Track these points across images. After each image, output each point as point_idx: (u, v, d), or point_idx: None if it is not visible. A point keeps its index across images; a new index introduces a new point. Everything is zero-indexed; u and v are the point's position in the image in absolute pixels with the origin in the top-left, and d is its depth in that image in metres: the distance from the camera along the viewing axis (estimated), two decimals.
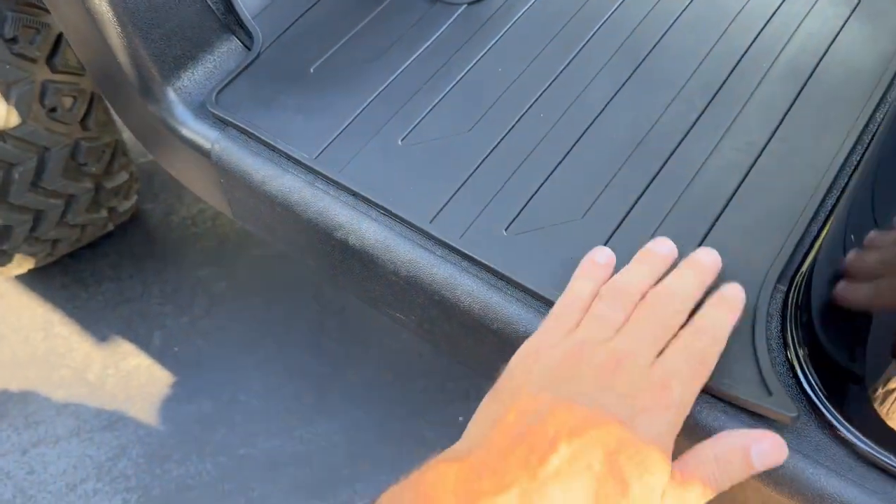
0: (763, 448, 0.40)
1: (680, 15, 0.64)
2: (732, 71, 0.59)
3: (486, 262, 0.51)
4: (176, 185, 1.30)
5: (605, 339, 0.42)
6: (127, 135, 1.05)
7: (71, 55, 0.89)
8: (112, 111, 0.98)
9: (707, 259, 0.47)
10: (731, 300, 0.45)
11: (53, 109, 0.89)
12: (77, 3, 0.61)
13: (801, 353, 0.45)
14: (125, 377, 1.09)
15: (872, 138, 0.54)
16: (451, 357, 0.60)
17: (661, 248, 0.48)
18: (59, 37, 0.87)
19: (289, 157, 0.60)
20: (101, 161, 0.98)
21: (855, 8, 0.62)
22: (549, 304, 0.49)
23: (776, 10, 0.63)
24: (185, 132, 0.64)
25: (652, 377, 0.40)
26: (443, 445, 0.41)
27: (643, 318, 0.43)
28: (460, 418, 1.01)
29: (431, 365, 1.07)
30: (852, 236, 0.42)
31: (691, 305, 0.45)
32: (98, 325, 1.14)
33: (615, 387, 0.40)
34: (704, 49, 0.61)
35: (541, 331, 0.45)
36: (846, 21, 0.61)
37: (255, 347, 1.10)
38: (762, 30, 0.62)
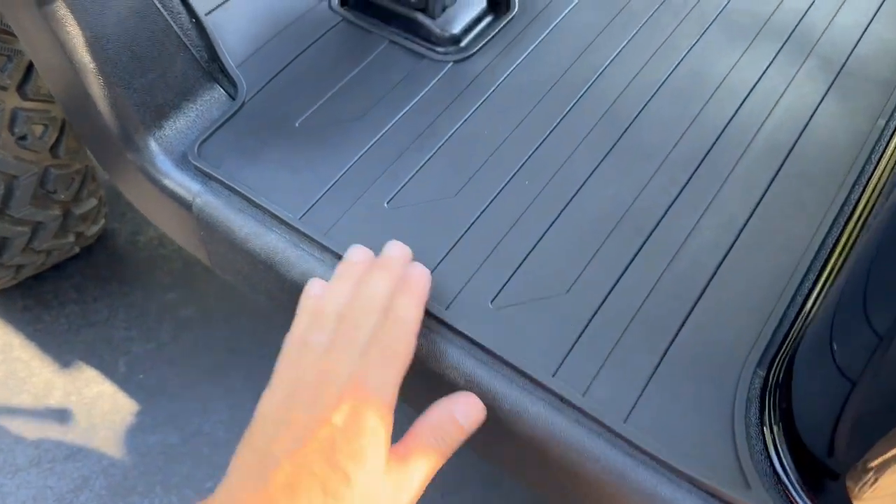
0: (462, 408, 0.48)
1: (662, 85, 0.65)
2: (714, 145, 0.61)
3: (473, 336, 0.52)
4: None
5: (315, 360, 0.47)
6: None
7: (43, 83, 0.87)
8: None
9: (395, 253, 0.53)
10: (415, 286, 0.51)
11: (23, 137, 0.87)
12: (56, 50, 0.59)
13: (779, 441, 0.47)
14: (88, 404, 1.07)
15: (848, 220, 0.56)
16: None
17: (354, 256, 0.54)
18: (31, 64, 0.85)
19: (273, 216, 0.59)
20: (71, 188, 0.96)
21: (831, 84, 0.64)
22: (537, 383, 0.50)
23: (756, 84, 0.64)
24: (167, 183, 0.63)
25: (353, 379, 0.46)
26: None
27: (342, 332, 0.48)
28: None
29: (404, 395, 1.07)
30: (838, 335, 0.43)
31: (385, 301, 0.50)
32: (60, 349, 1.12)
33: (325, 398, 0.45)
34: (686, 121, 0.62)
35: (275, 370, 0.49)
36: (823, 97, 0.63)
37: (222, 376, 1.09)
38: (742, 103, 0.63)
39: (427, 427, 0.47)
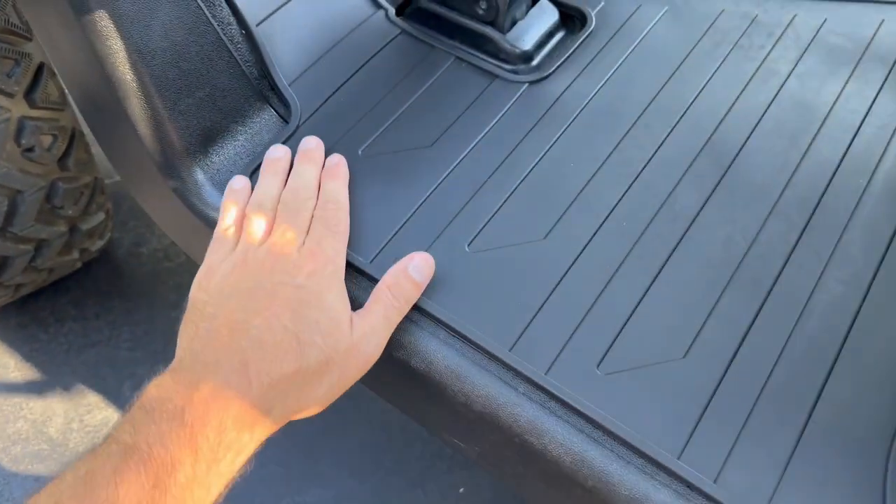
0: (416, 263, 0.50)
1: (764, 114, 0.59)
2: (828, 185, 0.55)
3: (580, 408, 0.45)
4: (147, 212, 1.20)
5: (261, 242, 0.50)
6: (98, 152, 0.95)
7: (52, 88, 0.79)
8: (93, 148, 0.88)
9: (312, 145, 0.56)
10: (335, 169, 0.55)
11: (30, 149, 0.79)
12: (93, 65, 0.52)
13: None
14: (91, 433, 0.99)
15: None
16: (517, 491, 0.54)
17: (276, 154, 0.56)
18: (40, 67, 0.77)
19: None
20: (79, 203, 0.88)
21: None
22: (660, 466, 0.44)
23: (866, 116, 0.59)
24: (214, 215, 0.56)
25: (305, 250, 0.49)
26: None
27: (283, 216, 0.51)
28: (461, 489, 0.95)
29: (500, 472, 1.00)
30: None
31: (315, 187, 0.54)
32: (60, 371, 1.03)
33: (281, 269, 0.48)
34: (795, 157, 0.56)
35: (206, 258, 0.51)
36: None
37: None
38: (854, 137, 0.57)
39: (385, 287, 0.49)
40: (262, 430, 0.44)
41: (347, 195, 0.54)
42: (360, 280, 0.52)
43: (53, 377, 1.03)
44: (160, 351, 1.06)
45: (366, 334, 0.47)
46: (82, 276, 1.11)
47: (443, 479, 0.97)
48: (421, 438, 1.00)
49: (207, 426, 0.41)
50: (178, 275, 1.14)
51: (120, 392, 1.02)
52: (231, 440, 0.42)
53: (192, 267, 1.17)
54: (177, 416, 0.41)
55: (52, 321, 1.08)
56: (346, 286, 0.51)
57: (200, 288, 0.49)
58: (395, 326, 0.49)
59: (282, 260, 0.48)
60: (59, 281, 1.08)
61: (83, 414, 1.01)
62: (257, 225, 0.51)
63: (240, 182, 0.55)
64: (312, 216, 0.52)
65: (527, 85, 0.62)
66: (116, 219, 1.15)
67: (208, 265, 0.50)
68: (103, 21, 0.49)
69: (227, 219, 0.53)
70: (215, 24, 0.54)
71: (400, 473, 0.97)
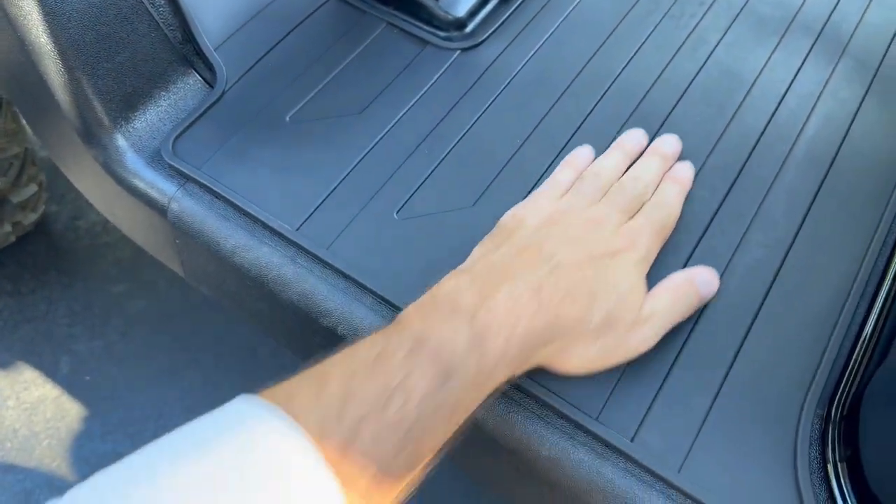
0: (706, 278, 0.49)
1: (691, 82, 0.60)
2: (752, 152, 0.56)
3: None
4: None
5: (583, 207, 0.49)
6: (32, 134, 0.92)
7: None
8: (21, 119, 0.86)
9: (668, 149, 0.55)
10: (681, 178, 0.53)
11: None
12: (7, 30, 0.50)
13: (846, 488, 0.43)
14: (28, 410, 0.98)
15: None
16: (460, 469, 0.54)
17: (632, 138, 0.55)
18: None
19: (265, 226, 0.52)
20: (8, 175, 0.85)
21: (868, 89, 0.59)
22: (580, 427, 0.44)
23: (790, 85, 0.60)
24: (137, 184, 0.55)
25: (622, 234, 0.48)
26: None
27: (615, 194, 0.50)
28: None
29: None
30: None
31: (654, 186, 0.52)
32: None
33: (592, 240, 0.47)
34: (721, 124, 0.57)
35: (527, 201, 0.51)
36: (861, 103, 0.59)
37: (178, 377, 1.01)
38: (778, 107, 0.58)
39: (675, 283, 0.48)
40: (531, 360, 0.43)
41: (682, 203, 0.52)
42: (285, 249, 0.51)
43: None
44: (98, 326, 1.04)
45: (652, 316, 0.46)
46: (18, 250, 1.09)
47: None
48: None
49: (496, 336, 0.41)
50: (117, 249, 1.12)
51: (57, 368, 1.01)
52: (511, 357, 0.41)
53: (131, 242, 1.15)
54: (467, 318, 0.40)
55: None
56: (271, 255, 0.51)
57: (515, 217, 0.49)
58: (673, 324, 0.47)
59: (600, 229, 0.48)
60: None
61: (20, 391, 0.99)
62: (588, 190, 0.51)
63: (585, 151, 0.55)
64: (640, 210, 0.50)
65: (459, 52, 0.61)
66: (53, 192, 1.13)
67: (532, 202, 0.50)
68: None
69: (560, 177, 0.52)
70: None
71: None
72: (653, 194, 0.52)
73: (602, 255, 0.46)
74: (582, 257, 0.45)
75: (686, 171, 0.54)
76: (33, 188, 0.92)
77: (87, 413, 0.97)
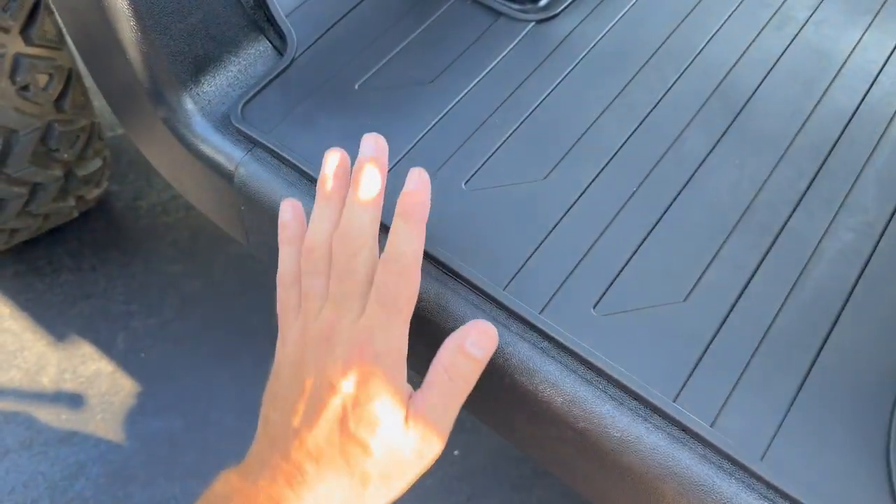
0: (473, 338, 0.43)
1: (777, 61, 0.57)
2: (842, 134, 0.53)
3: (574, 348, 0.44)
4: (146, 165, 1.19)
5: (317, 311, 0.44)
6: (100, 105, 0.93)
7: (49, 26, 0.77)
8: (89, 92, 0.87)
9: (369, 156, 0.46)
10: (411, 200, 0.45)
11: (25, 87, 0.77)
12: None
13: None
14: (84, 384, 0.98)
15: None
16: (506, 438, 0.52)
17: (328, 167, 0.47)
18: (37, 3, 0.75)
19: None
20: (75, 147, 0.86)
21: None
22: (655, 409, 0.42)
23: (883, 66, 0.56)
24: (204, 148, 0.54)
25: (356, 343, 0.42)
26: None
27: (335, 278, 0.44)
28: (455, 452, 0.94)
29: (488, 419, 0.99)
30: None
31: (372, 238, 0.45)
32: (55, 321, 1.02)
33: (331, 361, 0.43)
34: (809, 105, 0.54)
35: (280, 319, 0.47)
36: None
37: (231, 358, 1.00)
38: (870, 88, 0.55)
39: (440, 368, 0.43)
40: None
41: (421, 241, 0.44)
42: None
43: (48, 327, 1.02)
44: (155, 304, 1.05)
45: (426, 431, 0.42)
46: (80, 227, 1.10)
47: None
48: None
49: None
50: (175, 230, 1.13)
51: (113, 344, 1.01)
52: None
53: (190, 222, 1.16)
54: None
55: (48, 271, 1.07)
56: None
57: (277, 361, 0.46)
58: (458, 409, 0.44)
59: (334, 344, 0.43)
60: (56, 231, 1.07)
61: (77, 364, 1.00)
62: (312, 285, 0.45)
63: (289, 211, 0.48)
64: (374, 278, 0.44)
65: (533, 24, 0.59)
66: (115, 171, 1.14)
67: (281, 332, 0.46)
68: None
69: (285, 264, 0.48)
70: None
71: None
72: (382, 250, 0.45)
73: (344, 398, 0.42)
74: (323, 419, 0.42)
75: (416, 181, 0.45)
76: (98, 163, 0.93)
77: (141, 389, 0.98)
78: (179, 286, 1.07)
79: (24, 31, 0.75)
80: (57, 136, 0.83)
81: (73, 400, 0.97)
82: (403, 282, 0.43)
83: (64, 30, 0.69)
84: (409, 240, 0.44)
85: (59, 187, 0.89)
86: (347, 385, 0.42)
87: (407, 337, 0.43)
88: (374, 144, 0.47)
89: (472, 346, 0.43)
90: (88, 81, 0.88)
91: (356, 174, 0.46)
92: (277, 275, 0.48)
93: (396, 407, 0.42)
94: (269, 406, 0.45)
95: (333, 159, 0.47)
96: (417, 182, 0.46)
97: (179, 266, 1.09)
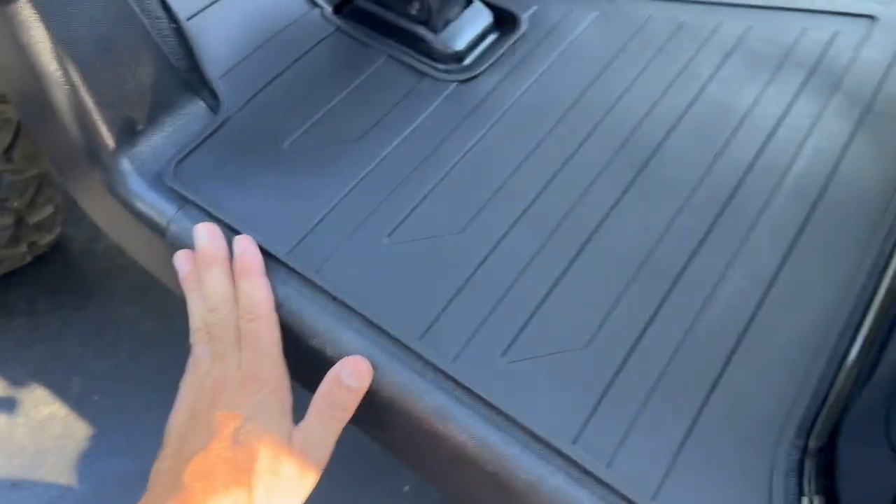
0: (349, 370, 0.49)
1: (682, 116, 0.61)
2: (739, 185, 0.56)
3: (483, 395, 0.47)
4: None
5: (207, 371, 0.50)
6: None
7: None
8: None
9: (205, 241, 0.54)
10: (244, 260, 0.53)
11: None
12: (18, 54, 0.53)
13: None
14: (37, 428, 0.99)
15: (882, 272, 0.52)
16: (429, 480, 0.55)
17: (183, 269, 0.55)
18: None
19: (258, 249, 0.53)
20: (25, 195, 0.88)
21: (859, 124, 0.60)
22: (556, 451, 0.45)
23: (781, 120, 0.60)
24: (138, 205, 0.57)
25: (241, 375, 0.49)
26: None
27: (214, 340, 0.51)
28: (405, 488, 0.96)
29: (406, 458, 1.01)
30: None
31: (231, 299, 0.52)
32: (8, 366, 1.04)
33: (222, 399, 0.48)
34: (709, 157, 0.58)
35: (178, 394, 0.52)
36: (852, 137, 0.59)
37: None
38: (768, 141, 0.59)
39: (320, 398, 0.49)
40: None
41: (266, 287, 0.52)
42: (277, 271, 0.53)
43: (1, 372, 1.03)
44: (111, 345, 1.06)
45: (306, 450, 0.48)
46: (35, 271, 1.11)
47: (388, 479, 0.97)
48: (367, 438, 1.00)
49: None
50: (131, 272, 1.14)
51: (68, 386, 1.03)
52: None
53: None
54: None
55: (2, 315, 1.08)
56: (269, 278, 0.52)
57: (167, 427, 0.50)
58: (337, 435, 0.49)
59: (223, 390, 0.49)
60: (10, 275, 1.09)
61: (29, 409, 1.01)
62: (200, 354, 0.51)
63: (184, 263, 0.55)
64: (241, 329, 0.51)
65: (455, 84, 0.63)
66: (71, 215, 1.15)
67: (176, 404, 0.51)
68: (25, 11, 0.50)
69: (194, 351, 0.53)
70: (143, 17, 0.55)
71: (347, 470, 0.98)
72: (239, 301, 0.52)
73: (234, 421, 0.47)
74: (216, 441, 0.46)
75: (243, 247, 0.53)
76: (49, 209, 0.95)
77: (95, 432, 0.99)
78: (135, 327, 1.09)
79: None
80: (7, 185, 0.85)
81: (25, 444, 0.98)
82: (262, 324, 0.51)
83: (8, 94, 0.71)
84: (255, 290, 0.52)
85: (11, 235, 0.91)
86: (240, 407, 0.48)
87: (283, 367, 0.50)
88: (206, 234, 0.54)
89: (347, 377, 0.49)
90: None
91: (198, 255, 0.54)
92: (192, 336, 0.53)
93: (284, 422, 0.48)
94: (158, 462, 0.49)
95: (184, 262, 0.55)
96: (243, 245, 0.53)
97: (135, 307, 1.11)
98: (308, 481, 0.48)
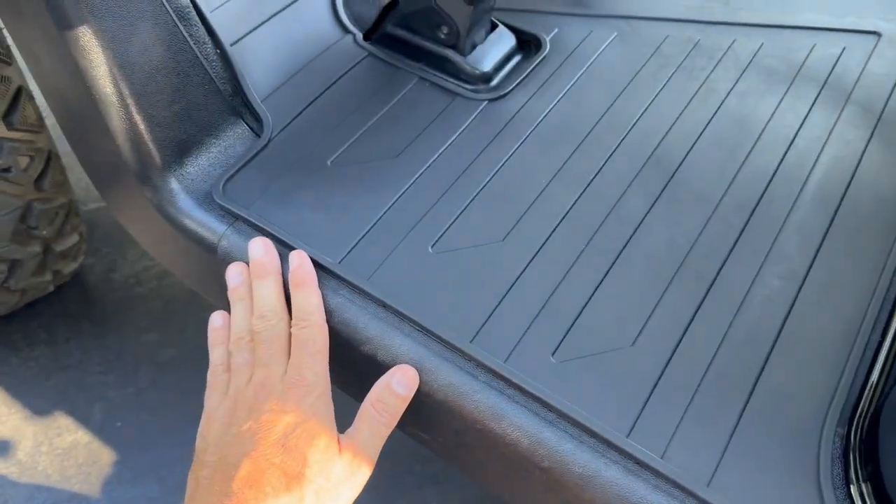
0: (398, 377, 0.51)
1: (704, 129, 0.64)
2: (764, 192, 0.59)
3: (536, 393, 0.48)
4: (119, 238, 1.22)
5: (248, 379, 0.51)
6: (74, 181, 0.97)
7: (30, 111, 0.82)
8: (67, 171, 0.91)
9: (259, 254, 0.55)
10: (299, 273, 0.54)
11: (7, 169, 0.81)
12: (75, 79, 0.55)
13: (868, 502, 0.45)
14: (61, 455, 1.00)
15: None
16: (477, 481, 0.56)
17: (234, 279, 0.56)
18: (19, 91, 0.80)
19: (311, 260, 0.55)
20: (53, 224, 0.90)
21: (873, 132, 0.63)
22: (611, 444, 0.47)
23: (798, 130, 0.63)
24: (188, 223, 0.59)
25: (289, 379, 0.50)
26: None
27: (260, 348, 0.52)
28: None
29: (397, 444, 1.02)
30: None
31: (281, 308, 0.53)
32: (30, 394, 1.04)
33: (267, 403, 0.49)
34: (733, 167, 0.61)
35: (205, 405, 0.53)
36: (867, 146, 0.62)
37: None
38: (788, 150, 0.62)
39: (370, 404, 0.51)
40: None
41: (319, 298, 0.53)
42: (328, 281, 0.55)
43: (23, 400, 1.04)
44: (130, 373, 1.07)
45: (355, 456, 0.49)
46: (54, 301, 1.12)
47: (412, 495, 0.98)
48: (390, 455, 1.01)
49: None
50: (149, 300, 1.16)
51: (90, 415, 1.03)
52: None
53: (163, 292, 1.19)
54: None
55: (23, 345, 1.09)
56: (320, 289, 0.54)
57: (201, 437, 0.51)
58: (383, 441, 0.51)
59: (267, 395, 0.49)
60: (30, 305, 1.10)
61: (53, 437, 1.01)
62: (241, 361, 0.52)
63: (219, 319, 0.56)
64: (291, 333, 0.52)
65: (486, 102, 0.66)
66: (90, 245, 1.17)
67: (207, 413, 0.52)
68: (86, 37, 0.52)
69: (215, 359, 0.54)
70: (191, 43, 0.58)
71: (369, 490, 0.99)
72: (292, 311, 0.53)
73: (282, 427, 0.47)
74: (264, 445, 0.47)
75: (298, 262, 0.54)
76: (75, 238, 0.96)
77: (118, 458, 0.99)
78: (154, 355, 1.10)
79: (7, 118, 0.79)
80: (37, 214, 0.86)
81: (50, 472, 0.98)
82: (316, 330, 0.52)
83: (46, 121, 0.74)
84: (308, 300, 0.53)
85: (38, 263, 0.92)
86: (287, 412, 0.48)
87: (328, 374, 0.51)
88: (261, 247, 0.55)
89: (396, 384, 0.51)
90: (66, 160, 0.92)
91: (252, 267, 0.55)
92: (208, 372, 0.54)
93: (332, 428, 0.49)
94: (196, 470, 0.49)
95: (236, 274, 0.56)
96: (299, 259, 0.54)
97: (153, 335, 1.12)
98: (357, 485, 0.49)
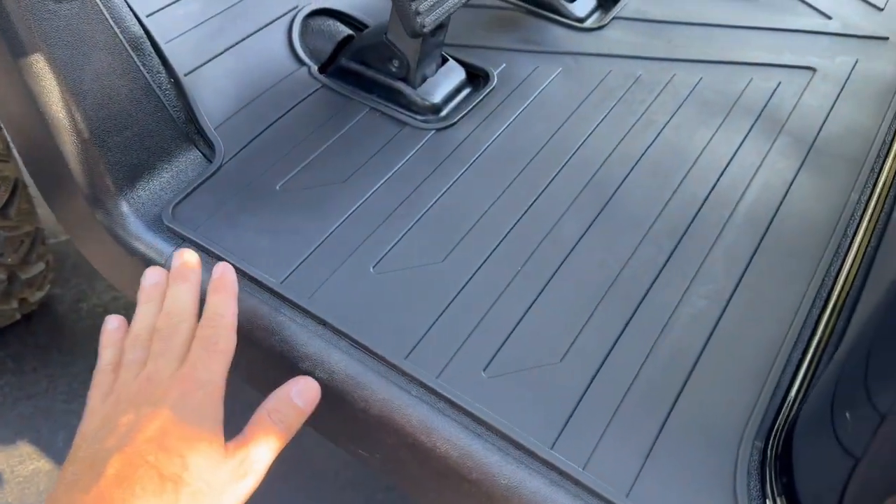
0: (299, 388, 0.49)
1: (641, 157, 0.66)
2: (695, 216, 0.61)
3: (466, 407, 0.50)
4: (88, 269, 1.23)
5: (134, 374, 0.48)
6: (44, 213, 0.99)
7: None
8: (34, 200, 0.93)
9: (183, 260, 0.54)
10: (221, 281, 0.53)
11: None
12: (28, 103, 0.57)
13: None
14: (22, 483, 1.00)
15: (830, 291, 0.57)
16: (416, 498, 0.57)
17: (150, 280, 0.54)
18: None
19: (252, 280, 0.57)
20: (19, 251, 0.91)
21: (803, 162, 0.66)
22: (535, 456, 0.48)
23: (731, 159, 0.66)
24: (137, 245, 0.60)
25: (178, 374, 0.46)
26: None
27: (157, 344, 0.49)
28: None
29: (358, 474, 1.03)
30: (839, 411, 0.43)
31: (192, 310, 0.51)
32: None
33: (151, 397, 0.45)
34: (667, 193, 0.63)
35: (87, 404, 0.49)
36: (797, 173, 0.65)
37: None
38: (720, 177, 0.65)
39: (265, 411, 0.48)
40: None
41: (234, 307, 0.52)
42: (270, 300, 0.56)
43: None
44: None
45: (241, 464, 0.45)
46: (22, 330, 1.13)
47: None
48: (351, 485, 1.02)
49: None
50: None
51: (54, 443, 1.03)
52: None
53: (131, 321, 1.19)
54: None
55: None
56: (256, 307, 0.55)
57: (78, 433, 0.46)
58: (276, 453, 0.47)
59: (150, 389, 0.46)
60: None
61: (14, 464, 1.01)
62: (133, 358, 0.49)
63: (114, 322, 0.54)
64: (195, 336, 0.49)
65: (433, 132, 0.68)
66: (58, 276, 1.18)
67: (88, 410, 0.48)
68: (39, 64, 0.54)
69: (105, 359, 0.51)
70: (144, 72, 0.60)
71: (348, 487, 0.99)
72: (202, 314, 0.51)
73: (159, 422, 0.44)
74: (138, 441, 0.43)
75: (221, 270, 0.53)
76: (41, 266, 0.97)
77: None
78: None
79: None
80: (2, 241, 0.88)
81: (10, 500, 0.98)
82: (222, 330, 0.50)
83: (13, 150, 0.76)
84: (223, 306, 0.51)
85: (3, 290, 0.93)
86: (169, 408, 0.44)
87: (226, 376, 0.48)
88: (186, 256, 0.55)
89: (296, 396, 0.49)
90: (33, 190, 0.94)
91: (174, 271, 0.54)
92: (94, 371, 0.51)
93: (217, 430, 0.45)
94: (64, 468, 0.44)
95: (153, 275, 0.54)
96: (221, 269, 0.54)
97: None
98: (240, 495, 0.45)
